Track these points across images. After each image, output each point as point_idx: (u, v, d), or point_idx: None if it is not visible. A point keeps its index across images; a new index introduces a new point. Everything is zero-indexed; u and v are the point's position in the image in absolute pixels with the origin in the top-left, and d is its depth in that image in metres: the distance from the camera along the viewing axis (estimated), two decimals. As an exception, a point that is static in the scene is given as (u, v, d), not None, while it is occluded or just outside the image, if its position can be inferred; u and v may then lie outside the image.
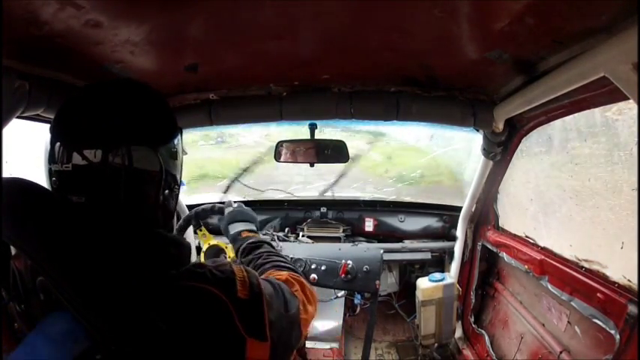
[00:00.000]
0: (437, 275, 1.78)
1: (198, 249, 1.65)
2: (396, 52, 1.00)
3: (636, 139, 0.93)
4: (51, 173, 0.59)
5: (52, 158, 0.58)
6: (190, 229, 1.79)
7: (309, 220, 2.18)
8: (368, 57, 1.04)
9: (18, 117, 0.88)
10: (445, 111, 1.32)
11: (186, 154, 0.73)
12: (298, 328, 0.69)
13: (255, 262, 0.88)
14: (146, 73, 1.04)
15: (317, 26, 0.84)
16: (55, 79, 0.95)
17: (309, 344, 1.82)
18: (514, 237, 1.58)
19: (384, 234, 2.17)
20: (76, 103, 0.61)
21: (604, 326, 1.00)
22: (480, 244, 1.83)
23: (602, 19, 0.70)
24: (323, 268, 1.58)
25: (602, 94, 0.89)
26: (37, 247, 0.52)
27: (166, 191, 0.64)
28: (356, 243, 2.00)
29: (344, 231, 2.14)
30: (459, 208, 1.91)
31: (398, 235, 2.14)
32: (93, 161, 0.56)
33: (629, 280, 0.97)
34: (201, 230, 1.65)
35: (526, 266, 1.41)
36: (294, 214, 2.22)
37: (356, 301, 2.00)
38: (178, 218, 1.66)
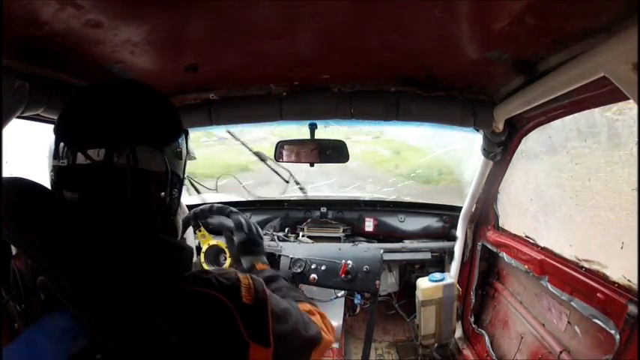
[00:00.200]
0: (437, 275, 1.78)
1: (198, 249, 1.65)
2: (396, 52, 1.00)
3: (636, 139, 0.93)
4: (55, 173, 0.58)
5: (56, 158, 0.58)
6: (190, 229, 1.80)
7: (309, 220, 2.18)
8: (368, 57, 1.04)
9: (18, 117, 0.88)
10: (445, 111, 1.32)
11: (194, 159, 0.73)
12: (309, 351, 0.70)
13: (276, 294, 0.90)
14: (146, 73, 1.04)
15: (317, 26, 0.84)
16: (55, 79, 0.95)
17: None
18: (514, 237, 1.58)
19: (384, 234, 2.17)
20: (80, 102, 0.61)
21: (604, 326, 1.00)
22: (479, 244, 1.83)
23: (602, 19, 0.70)
24: (323, 268, 1.58)
25: (602, 94, 0.89)
26: (38, 246, 0.52)
27: (172, 191, 0.64)
28: (356, 243, 2.00)
29: (344, 231, 2.14)
30: (458, 208, 1.90)
31: (398, 235, 2.14)
32: (96, 160, 0.56)
33: (629, 280, 0.97)
34: (200, 231, 1.65)
35: (526, 266, 1.41)
36: (294, 214, 2.22)
37: (356, 301, 2.00)
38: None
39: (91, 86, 0.64)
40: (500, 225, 1.73)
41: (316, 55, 1.04)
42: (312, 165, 1.57)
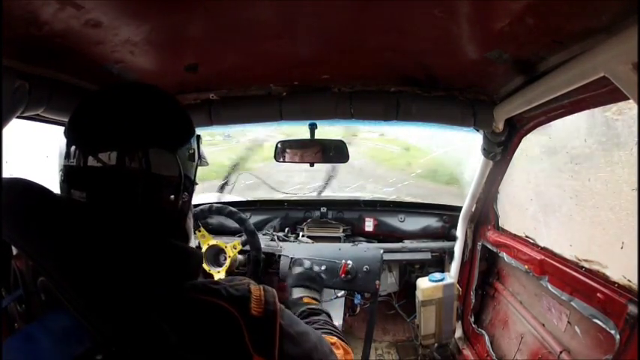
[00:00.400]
0: (437, 275, 1.78)
1: (198, 249, 1.65)
2: (396, 52, 1.00)
3: (636, 139, 0.93)
4: (65, 175, 0.58)
5: (67, 161, 0.57)
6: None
7: (309, 220, 2.18)
8: (368, 57, 1.04)
9: (18, 117, 0.88)
10: (445, 111, 1.32)
11: (207, 164, 0.72)
12: None
13: (312, 327, 0.91)
14: (146, 73, 1.04)
15: (317, 26, 0.84)
16: (55, 79, 0.94)
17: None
18: (514, 237, 1.58)
19: (384, 234, 2.17)
20: (92, 105, 0.60)
21: (604, 326, 1.00)
22: (479, 244, 1.83)
23: (602, 19, 0.70)
24: (323, 268, 1.58)
25: (602, 94, 0.89)
26: (39, 247, 0.52)
27: (184, 195, 0.63)
28: (356, 243, 2.01)
29: (344, 231, 2.14)
30: (458, 208, 1.90)
31: (398, 235, 2.14)
32: (108, 163, 0.55)
33: (629, 280, 0.97)
34: (200, 231, 1.65)
35: (526, 266, 1.41)
36: (294, 214, 2.22)
37: (356, 301, 2.00)
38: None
39: (103, 89, 0.64)
40: (500, 225, 1.73)
41: (316, 55, 1.04)
42: (311, 165, 1.57)
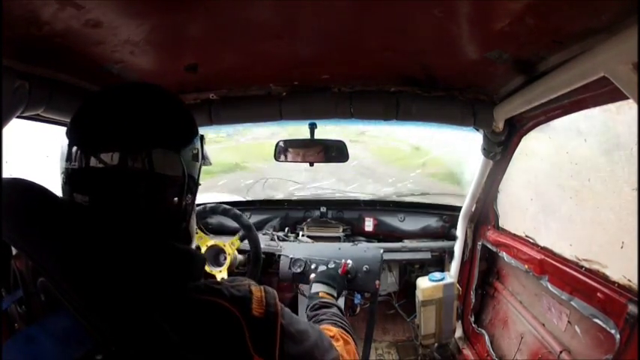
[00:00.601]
0: (437, 275, 1.78)
1: (198, 249, 1.65)
2: (396, 52, 1.00)
3: (636, 139, 0.93)
4: (67, 176, 0.57)
5: (69, 162, 0.57)
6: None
7: (308, 220, 2.18)
8: (368, 57, 1.04)
9: (18, 117, 0.88)
10: (445, 111, 1.32)
11: (210, 164, 0.72)
12: None
13: (318, 317, 0.97)
14: (146, 73, 1.04)
15: (317, 26, 0.84)
16: (55, 79, 0.94)
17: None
18: (514, 237, 1.58)
19: (384, 234, 2.17)
20: (94, 106, 0.60)
21: (604, 326, 1.00)
22: (479, 243, 1.83)
23: (602, 19, 0.70)
24: (323, 267, 1.58)
25: (602, 94, 0.89)
26: (39, 248, 0.52)
27: (188, 196, 0.63)
28: (356, 243, 2.01)
29: (344, 230, 2.14)
30: (458, 208, 1.91)
31: (398, 235, 2.14)
32: (110, 164, 0.55)
33: (629, 280, 0.97)
34: (197, 232, 1.65)
35: (526, 266, 1.41)
36: (293, 213, 2.22)
37: (356, 301, 2.00)
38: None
39: (105, 89, 0.64)
40: (500, 225, 1.73)
41: (316, 55, 1.04)
42: (311, 164, 1.57)
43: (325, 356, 0.68)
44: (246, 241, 1.64)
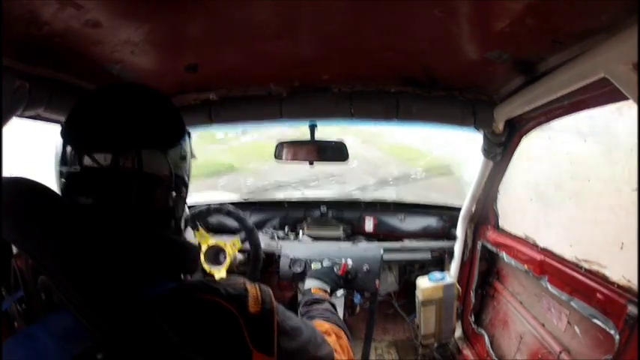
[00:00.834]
0: (437, 274, 1.78)
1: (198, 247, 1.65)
2: (396, 53, 1.00)
3: (636, 139, 0.93)
4: (61, 175, 0.59)
5: (62, 161, 0.59)
6: (189, 229, 1.80)
7: (308, 220, 2.18)
8: (368, 57, 1.04)
9: (18, 117, 0.88)
10: (445, 111, 1.32)
11: (194, 157, 0.73)
12: None
13: (310, 313, 0.99)
14: (146, 73, 1.04)
15: (317, 26, 0.84)
16: (55, 79, 0.95)
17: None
18: (514, 237, 1.58)
19: (384, 233, 2.17)
20: (87, 106, 0.61)
21: (604, 326, 1.00)
22: (479, 243, 1.83)
23: (602, 19, 0.70)
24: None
25: (602, 94, 0.89)
26: (39, 246, 0.52)
27: (175, 195, 0.64)
28: (356, 242, 2.01)
29: (344, 230, 2.14)
30: (458, 208, 1.90)
31: (398, 235, 2.14)
32: (103, 165, 0.56)
33: (628, 281, 0.97)
34: (198, 231, 1.66)
35: (526, 266, 1.41)
36: (293, 213, 2.22)
37: (356, 301, 2.00)
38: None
39: (95, 91, 0.65)
40: (500, 225, 1.73)
41: (316, 55, 1.04)
42: (311, 164, 1.57)
43: (318, 351, 0.70)
44: (243, 235, 1.65)
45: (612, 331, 0.98)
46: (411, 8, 0.74)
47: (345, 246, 1.82)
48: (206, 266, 1.62)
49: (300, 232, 2.12)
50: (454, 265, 1.94)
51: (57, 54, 0.86)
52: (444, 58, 1.03)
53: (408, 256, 2.02)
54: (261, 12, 0.77)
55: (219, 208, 1.67)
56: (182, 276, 0.65)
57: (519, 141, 1.41)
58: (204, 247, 1.65)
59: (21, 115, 0.89)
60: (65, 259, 0.51)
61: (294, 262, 1.60)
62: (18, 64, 0.83)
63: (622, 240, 0.99)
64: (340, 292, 1.75)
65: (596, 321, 1.03)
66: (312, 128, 1.52)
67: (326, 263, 1.49)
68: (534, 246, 1.42)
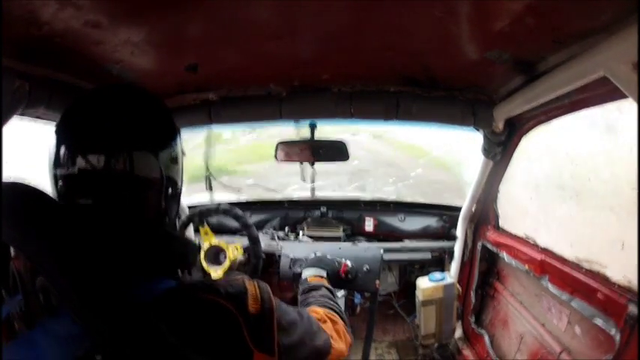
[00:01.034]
0: (437, 275, 1.78)
1: (198, 248, 1.65)
2: (396, 52, 1.00)
3: (636, 139, 0.93)
4: (56, 178, 0.59)
5: (57, 162, 0.59)
6: (190, 228, 1.80)
7: (309, 220, 2.18)
8: (368, 57, 1.04)
9: (18, 117, 0.88)
10: (445, 111, 1.32)
11: (184, 155, 0.73)
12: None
13: (306, 300, 1.00)
14: (146, 73, 1.04)
15: (317, 26, 0.84)
16: (55, 79, 0.95)
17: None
18: (514, 237, 1.58)
19: (384, 234, 2.17)
20: (80, 107, 0.62)
21: (604, 326, 1.00)
22: (479, 244, 1.83)
23: (602, 19, 0.70)
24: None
25: (602, 93, 0.89)
26: (36, 247, 0.52)
27: (167, 197, 0.64)
28: (356, 242, 2.00)
29: (344, 230, 2.14)
30: (458, 208, 1.90)
31: (398, 235, 2.14)
32: (96, 166, 0.57)
33: (629, 281, 0.97)
34: (204, 227, 1.65)
35: (526, 266, 1.41)
36: (293, 213, 2.22)
37: (356, 301, 2.00)
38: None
39: (91, 90, 0.65)
40: (500, 225, 1.73)
41: (316, 55, 1.04)
42: (312, 164, 1.57)
43: (315, 340, 0.70)
44: (246, 240, 1.65)
45: (613, 331, 0.97)
46: (411, 8, 0.74)
47: (345, 246, 1.82)
48: (205, 265, 1.62)
49: (301, 232, 2.12)
50: (454, 266, 1.94)
51: (57, 54, 0.86)
52: (444, 58, 1.03)
53: (408, 257, 2.02)
54: (261, 12, 0.77)
55: (227, 210, 1.66)
56: (180, 273, 0.65)
57: (519, 140, 1.41)
58: (205, 246, 1.65)
59: (21, 115, 0.89)
60: (62, 260, 0.51)
61: (294, 262, 1.60)
62: (18, 64, 0.83)
63: (622, 240, 0.99)
64: (340, 293, 1.75)
65: (596, 321, 1.03)
66: (312, 128, 1.52)
67: (319, 253, 1.49)
68: (534, 246, 1.42)
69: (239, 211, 1.65)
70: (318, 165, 1.72)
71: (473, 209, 1.81)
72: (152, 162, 0.61)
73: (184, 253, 0.62)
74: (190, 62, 1.04)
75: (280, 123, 1.46)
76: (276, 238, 1.96)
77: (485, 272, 1.87)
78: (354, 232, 2.18)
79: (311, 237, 2.08)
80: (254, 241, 1.61)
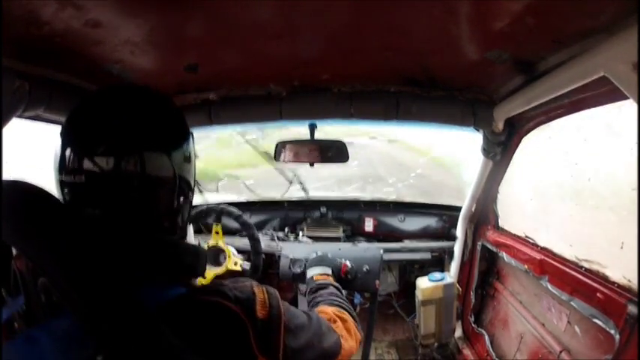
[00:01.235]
0: (437, 275, 1.78)
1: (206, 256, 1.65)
2: (396, 52, 1.00)
3: (636, 139, 0.93)
4: (62, 184, 0.58)
5: (62, 167, 0.57)
6: (190, 228, 1.79)
7: (308, 220, 2.18)
8: (368, 57, 1.04)
9: (18, 117, 0.88)
10: (445, 111, 1.32)
11: (197, 157, 0.72)
12: None
13: (315, 300, 1.00)
14: (146, 73, 1.04)
15: (317, 26, 0.84)
16: (55, 79, 0.95)
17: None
18: (514, 237, 1.58)
19: (384, 234, 2.17)
20: (87, 108, 0.61)
21: (604, 326, 1.00)
22: (479, 243, 1.83)
23: (602, 19, 0.70)
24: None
25: (602, 93, 0.89)
26: (38, 248, 0.52)
27: (181, 197, 0.63)
28: (356, 243, 2.00)
29: (344, 231, 2.14)
30: (458, 208, 1.90)
31: (398, 235, 2.14)
32: (105, 169, 0.55)
33: (629, 280, 0.97)
34: (217, 225, 1.65)
35: (526, 266, 1.41)
36: (293, 213, 2.22)
37: (356, 301, 2.00)
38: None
39: (95, 93, 0.64)
40: (500, 225, 1.73)
41: (316, 56, 1.04)
42: (311, 165, 1.57)
43: (323, 342, 0.70)
44: (246, 241, 1.65)
45: (612, 331, 0.98)
46: (411, 8, 0.74)
47: (345, 246, 1.82)
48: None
49: (300, 232, 2.12)
50: (454, 265, 1.94)
51: (57, 54, 0.86)
52: (443, 58, 1.03)
53: (407, 257, 2.02)
54: (262, 12, 0.77)
55: (231, 212, 1.66)
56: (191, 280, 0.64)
57: (519, 141, 1.41)
58: (207, 245, 1.65)
59: (21, 116, 0.88)
60: (64, 261, 0.50)
61: (294, 262, 1.60)
62: (18, 64, 0.83)
63: (622, 240, 0.99)
64: (340, 293, 1.74)
65: (596, 321, 1.03)
66: (312, 128, 1.52)
67: (320, 253, 1.50)
68: (534, 246, 1.42)
69: (239, 212, 1.65)
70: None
71: (473, 209, 1.81)
72: (165, 162, 0.59)
73: (194, 264, 0.61)
74: (190, 62, 1.04)
75: (280, 123, 1.46)
76: (275, 238, 1.96)
77: (485, 272, 1.87)
78: (354, 233, 2.18)
79: (311, 237, 2.08)
80: (254, 242, 1.61)
